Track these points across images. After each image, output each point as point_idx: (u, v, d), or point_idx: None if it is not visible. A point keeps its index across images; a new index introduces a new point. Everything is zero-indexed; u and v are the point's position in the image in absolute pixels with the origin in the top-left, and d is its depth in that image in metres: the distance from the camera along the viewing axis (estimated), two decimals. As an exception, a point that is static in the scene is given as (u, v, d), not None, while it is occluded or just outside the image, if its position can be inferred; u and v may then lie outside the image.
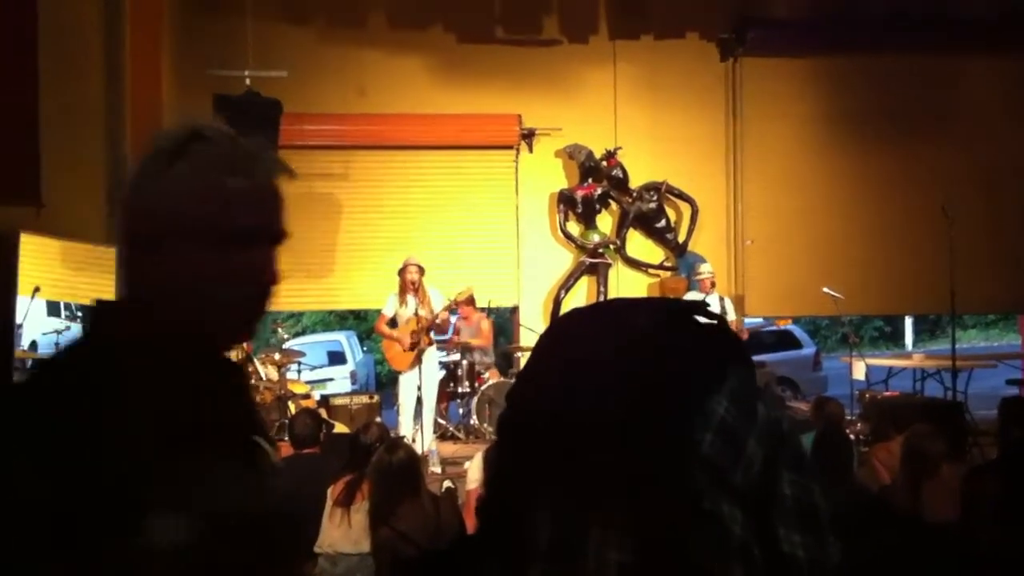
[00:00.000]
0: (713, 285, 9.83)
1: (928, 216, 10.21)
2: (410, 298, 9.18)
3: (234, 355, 10.48)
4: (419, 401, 9.22)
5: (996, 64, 11.68)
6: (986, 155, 11.53)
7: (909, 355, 11.58)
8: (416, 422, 9.31)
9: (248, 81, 9.48)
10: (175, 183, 1.42)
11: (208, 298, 1.42)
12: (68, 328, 12.36)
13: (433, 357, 9.53)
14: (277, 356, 10.11)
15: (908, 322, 26.00)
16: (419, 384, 9.17)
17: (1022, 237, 11.67)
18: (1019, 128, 11.67)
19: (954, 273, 8.87)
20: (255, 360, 9.94)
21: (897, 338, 26.60)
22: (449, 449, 9.28)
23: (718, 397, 1.44)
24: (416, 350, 9.15)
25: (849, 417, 9.25)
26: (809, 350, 14.54)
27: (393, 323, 9.42)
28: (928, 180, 11.27)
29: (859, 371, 10.24)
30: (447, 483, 6.98)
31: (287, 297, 11.53)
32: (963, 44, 11.45)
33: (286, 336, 10.92)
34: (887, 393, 9.86)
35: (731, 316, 9.91)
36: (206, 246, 1.42)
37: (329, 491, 5.27)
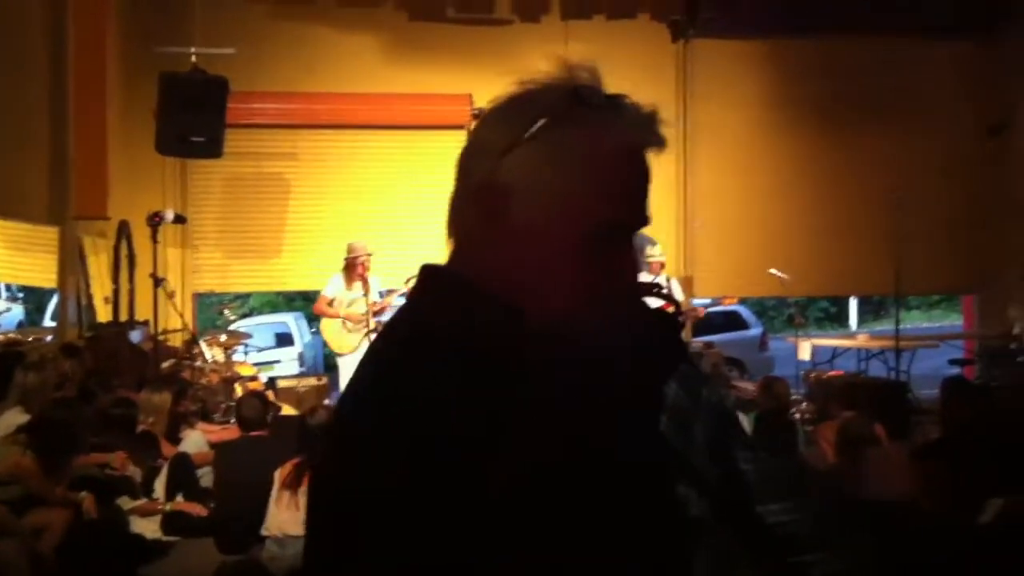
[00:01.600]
0: (662, 267, 9.86)
1: (874, 200, 10.34)
2: (357, 283, 9.12)
3: (179, 337, 10.38)
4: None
5: (944, 51, 11.82)
6: (932, 141, 11.68)
7: (854, 335, 11.74)
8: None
9: (194, 59, 9.31)
10: (557, 156, 1.27)
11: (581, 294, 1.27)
12: (8, 309, 12.14)
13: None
14: (223, 338, 10.02)
15: (853, 303, 26.38)
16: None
17: (966, 221, 11.88)
18: (964, 115, 11.85)
19: (899, 255, 8.99)
20: (201, 342, 9.83)
21: (842, 319, 26.98)
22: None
23: (670, 381, 1.42)
24: (364, 332, 9.08)
25: (795, 397, 9.37)
26: (756, 331, 14.70)
27: (331, 305, 9.36)
28: (875, 165, 11.39)
29: (805, 351, 10.37)
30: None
31: (233, 278, 11.43)
32: (911, 31, 11.57)
33: (233, 318, 10.81)
34: (832, 373, 10.00)
35: (679, 297, 9.97)
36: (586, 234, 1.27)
37: (277, 474, 5.23)
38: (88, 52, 9.09)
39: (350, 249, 9.28)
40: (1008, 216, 11.60)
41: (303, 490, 5.01)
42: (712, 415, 1.44)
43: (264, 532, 5.13)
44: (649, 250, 10.04)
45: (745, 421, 6.39)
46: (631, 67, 11.49)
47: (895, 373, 9.51)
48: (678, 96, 11.61)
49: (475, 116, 11.16)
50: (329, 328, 9.42)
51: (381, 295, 9.34)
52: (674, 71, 11.66)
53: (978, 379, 10.83)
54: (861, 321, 26.46)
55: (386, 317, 9.66)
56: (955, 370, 10.24)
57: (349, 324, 9.15)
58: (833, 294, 20.39)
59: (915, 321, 23.88)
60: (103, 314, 9.62)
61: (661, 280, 9.75)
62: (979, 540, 4.52)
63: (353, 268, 9.17)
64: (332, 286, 9.34)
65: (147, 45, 9.93)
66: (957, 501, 4.84)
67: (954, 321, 22.19)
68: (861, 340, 10.79)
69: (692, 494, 1.42)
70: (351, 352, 9.18)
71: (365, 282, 9.09)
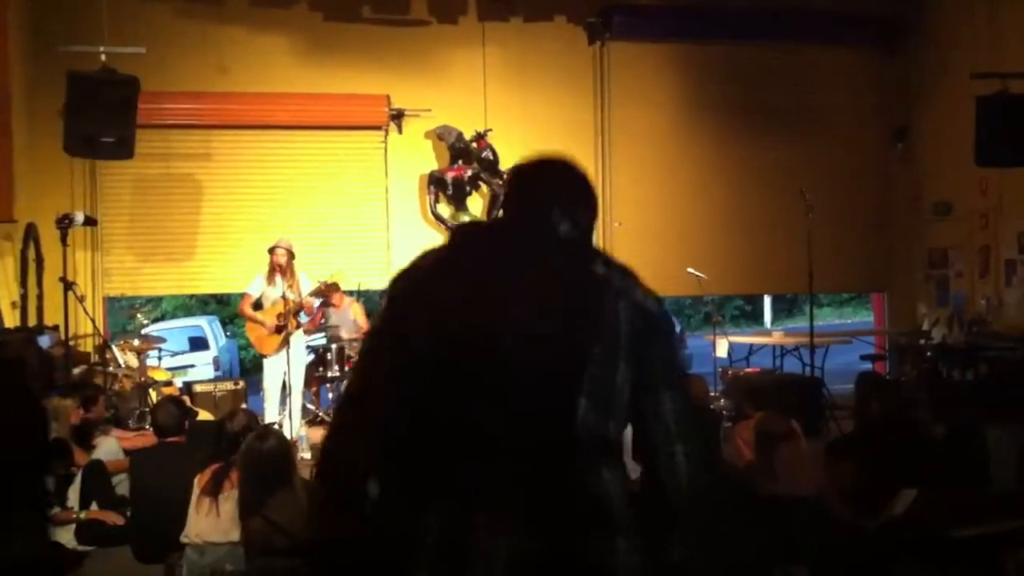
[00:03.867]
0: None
1: (787, 201, 10.53)
2: (278, 279, 8.98)
3: (90, 341, 10.13)
4: (285, 386, 9.04)
5: (850, 57, 12.17)
6: (841, 145, 12.00)
7: (769, 333, 11.95)
8: (283, 408, 9.14)
9: (104, 58, 9.08)
10: None
11: None
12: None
13: (300, 341, 9.36)
14: (136, 342, 9.80)
15: (767, 301, 26.88)
16: (286, 369, 8.99)
17: (875, 222, 12.22)
18: (871, 120, 12.21)
19: (811, 255, 9.18)
20: (113, 347, 9.61)
21: (757, 316, 27.48)
22: (319, 434, 9.14)
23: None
24: (283, 333, 8.96)
25: (712, 394, 9.51)
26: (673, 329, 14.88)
27: (258, 305, 9.22)
28: (787, 167, 11.62)
29: (722, 349, 10.53)
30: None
31: (146, 281, 11.18)
32: (819, 37, 11.89)
33: (145, 322, 10.58)
34: (748, 370, 10.17)
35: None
36: None
37: (196, 480, 5.13)
38: (-10, 51, 8.82)
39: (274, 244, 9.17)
40: (914, 217, 11.96)
41: (224, 496, 4.92)
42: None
43: (183, 539, 5.02)
44: None
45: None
46: (549, 70, 11.59)
47: (810, 369, 9.71)
48: (596, 98, 11.72)
49: (393, 116, 11.12)
50: (252, 329, 9.27)
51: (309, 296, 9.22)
52: (591, 74, 11.76)
53: (889, 374, 11.13)
54: (775, 319, 26.98)
55: (305, 318, 9.57)
56: (867, 365, 10.48)
57: (268, 325, 9.01)
58: (749, 292, 20.74)
59: (827, 318, 24.46)
60: (10, 319, 9.34)
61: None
62: (884, 533, 4.63)
63: (271, 264, 9.04)
64: (255, 285, 9.19)
65: (53, 44, 9.65)
66: (869, 494, 4.96)
67: (864, 318, 22.79)
68: (776, 337, 10.99)
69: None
70: (273, 353, 9.04)
71: (283, 275, 8.95)
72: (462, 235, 2.24)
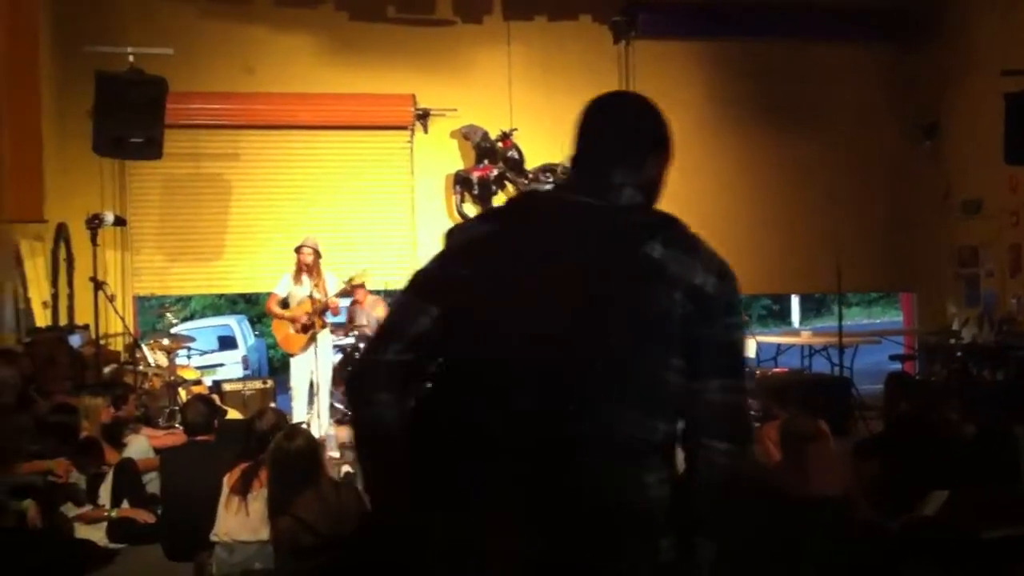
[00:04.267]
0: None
1: (814, 199, 10.49)
2: (305, 279, 9.01)
3: (120, 341, 10.21)
4: (312, 385, 9.07)
5: (876, 53, 12.06)
6: (867, 141, 11.91)
7: (797, 332, 11.89)
8: (310, 407, 9.17)
9: (131, 58, 9.15)
10: None
11: None
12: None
13: (327, 340, 9.38)
14: (166, 341, 9.87)
15: (795, 300, 26.72)
16: (313, 368, 9.02)
17: (903, 220, 12.11)
18: (899, 117, 12.09)
19: (839, 254, 9.13)
20: (143, 346, 9.68)
21: (784, 316, 27.32)
22: (347, 433, 9.18)
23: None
24: (309, 333, 8.99)
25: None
26: (700, 329, 14.82)
27: (285, 304, 9.25)
28: (814, 164, 11.56)
29: (750, 349, 10.47)
30: (346, 468, 6.91)
31: (175, 281, 11.26)
32: (844, 34, 11.80)
33: (174, 321, 10.66)
34: (776, 370, 10.12)
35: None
36: None
37: (225, 479, 5.16)
38: (20, 52, 8.87)
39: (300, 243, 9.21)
40: (943, 215, 11.85)
41: (253, 495, 4.95)
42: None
43: (213, 538, 5.06)
44: None
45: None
46: (574, 68, 11.57)
47: (838, 369, 9.65)
48: (621, 96, 11.66)
49: (418, 116, 11.15)
50: (279, 328, 9.31)
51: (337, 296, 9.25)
52: (616, 72, 11.73)
53: (918, 374, 11.05)
54: (803, 318, 26.82)
55: (331, 318, 9.61)
56: (896, 365, 10.40)
57: (297, 324, 9.03)
58: (777, 292, 20.63)
59: (855, 318, 24.28)
60: (41, 319, 9.43)
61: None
62: (912, 534, 4.60)
63: (297, 263, 9.06)
64: (282, 284, 9.23)
65: (82, 45, 9.74)
66: (897, 495, 4.92)
67: (892, 317, 22.60)
68: (804, 337, 10.94)
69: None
70: (300, 352, 9.07)
71: (310, 274, 8.97)
72: (518, 209, 2.18)
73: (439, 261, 2.06)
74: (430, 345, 1.98)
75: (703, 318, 1.95)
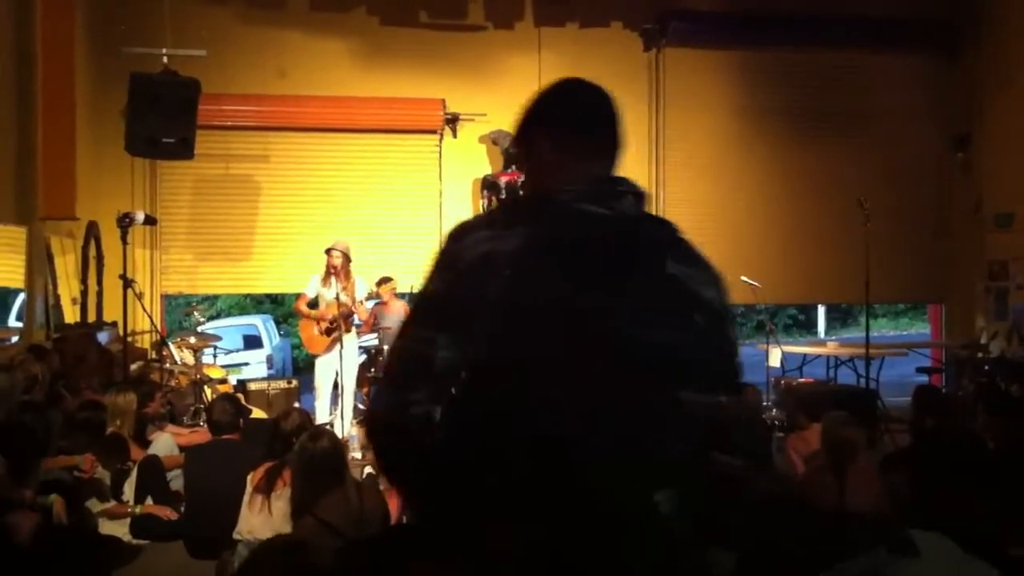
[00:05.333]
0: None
1: (843, 209, 10.41)
2: (333, 281, 9.02)
3: (147, 338, 10.29)
4: (336, 386, 9.10)
5: (909, 64, 12.00)
6: (898, 152, 11.85)
7: (823, 343, 11.80)
8: (334, 407, 9.20)
9: (166, 60, 9.24)
10: None
11: None
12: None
13: (353, 342, 9.41)
14: (192, 340, 9.93)
15: (821, 311, 26.57)
16: (337, 368, 9.04)
17: (933, 231, 12.03)
18: (931, 128, 12.02)
19: (868, 264, 9.06)
20: (170, 344, 9.75)
21: (810, 326, 27.16)
22: (369, 435, 9.18)
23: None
24: (333, 335, 9.00)
25: (765, 404, 9.43)
26: (726, 338, 14.74)
27: (314, 305, 9.29)
28: (844, 174, 11.51)
29: (775, 358, 10.42)
30: (368, 469, 6.93)
31: (203, 280, 11.35)
32: (878, 44, 11.75)
33: (201, 320, 10.72)
34: (801, 380, 10.05)
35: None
36: None
37: (249, 478, 5.19)
38: (56, 52, 8.98)
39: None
40: (975, 227, 11.75)
41: (276, 494, 4.97)
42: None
43: (236, 536, 5.08)
44: None
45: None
46: (604, 76, 11.29)
47: (864, 381, 9.57)
48: (651, 104, 11.68)
49: (448, 121, 11.17)
50: (304, 328, 9.36)
51: (363, 301, 9.29)
52: (647, 79, 11.73)
53: (945, 387, 10.95)
54: (829, 328, 26.66)
55: (358, 322, 9.64)
56: (923, 378, 10.32)
57: (321, 324, 9.07)
58: (804, 301, 20.52)
59: (882, 329, 24.10)
60: (71, 315, 9.52)
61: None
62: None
63: (327, 266, 9.08)
64: (311, 286, 9.26)
65: (117, 46, 9.85)
66: (924, 509, 4.88)
67: (920, 329, 22.42)
68: (831, 347, 10.86)
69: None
70: (324, 352, 9.10)
71: (338, 277, 8.97)
72: (535, 220, 1.97)
73: (457, 281, 1.92)
74: (454, 379, 1.90)
75: (712, 333, 2.00)
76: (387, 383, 1.96)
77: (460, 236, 1.96)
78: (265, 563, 3.31)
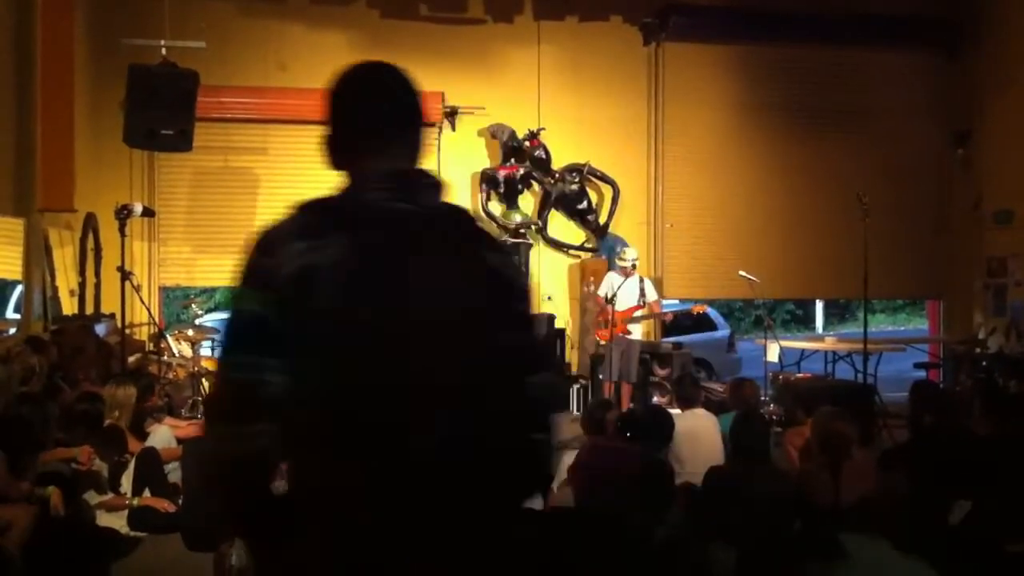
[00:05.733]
0: (635, 268, 9.85)
1: (842, 205, 10.42)
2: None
3: (145, 330, 10.28)
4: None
5: (910, 60, 12.02)
6: (898, 148, 11.86)
7: (821, 338, 11.78)
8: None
9: (164, 51, 9.22)
10: None
11: None
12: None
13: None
14: (190, 332, 9.91)
15: (819, 306, 26.57)
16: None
17: (932, 227, 12.04)
18: (931, 124, 12.03)
19: (866, 260, 9.06)
20: (168, 336, 9.74)
21: (808, 321, 27.15)
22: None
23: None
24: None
25: (762, 399, 9.42)
26: (724, 332, 14.75)
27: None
28: (843, 170, 11.51)
29: (773, 353, 10.42)
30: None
31: (201, 272, 11.33)
32: (878, 40, 11.75)
33: (200, 312, 10.71)
34: (799, 375, 10.06)
35: (652, 296, 9.98)
36: None
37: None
38: (55, 43, 8.96)
39: None
40: (973, 223, 11.76)
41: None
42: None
43: (233, 529, 5.08)
44: (624, 253, 10.06)
45: (719, 423, 6.42)
46: (604, 70, 11.57)
47: (862, 376, 9.58)
48: (650, 99, 11.68)
49: (447, 114, 11.15)
50: None
51: None
52: (646, 73, 11.72)
53: (943, 382, 10.96)
54: (827, 324, 26.66)
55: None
56: (920, 373, 10.33)
57: None
58: (802, 297, 20.51)
59: (879, 324, 24.10)
60: (68, 307, 9.52)
61: (634, 280, 9.76)
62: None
63: None
64: None
65: (116, 37, 9.83)
66: (922, 505, 4.88)
67: (918, 325, 22.44)
68: (829, 343, 10.86)
69: None
70: None
71: None
72: (347, 222, 1.88)
73: (277, 301, 1.78)
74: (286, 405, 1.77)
75: (528, 318, 2.04)
76: (218, 418, 1.85)
77: (270, 249, 1.85)
78: None
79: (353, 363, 1.79)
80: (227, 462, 1.79)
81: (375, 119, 2.04)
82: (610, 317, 9.50)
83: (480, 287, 1.92)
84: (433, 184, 1.97)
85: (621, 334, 9.62)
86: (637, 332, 9.98)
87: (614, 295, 9.45)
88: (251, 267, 1.87)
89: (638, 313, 9.83)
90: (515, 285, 2.01)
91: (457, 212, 2.03)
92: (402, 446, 1.79)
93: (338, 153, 2.07)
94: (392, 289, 1.83)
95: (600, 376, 9.92)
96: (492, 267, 1.96)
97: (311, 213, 1.93)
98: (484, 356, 1.89)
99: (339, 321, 1.78)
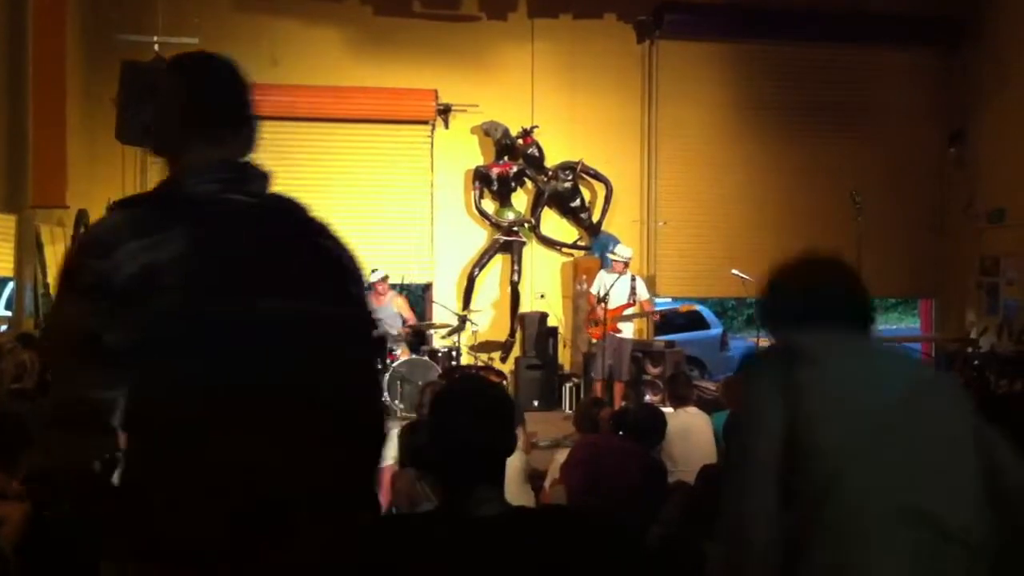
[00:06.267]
0: (626, 265, 9.86)
1: (835, 203, 10.44)
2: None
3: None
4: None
5: (906, 59, 12.03)
6: (893, 147, 11.86)
7: (813, 337, 11.77)
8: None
9: (157, 48, 9.20)
10: None
11: None
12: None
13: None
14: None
15: (811, 305, 26.60)
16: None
17: (926, 226, 12.05)
18: (925, 122, 12.04)
19: (859, 258, 9.06)
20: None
21: (800, 320, 27.18)
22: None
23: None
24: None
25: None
26: (717, 331, 14.78)
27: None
28: (836, 168, 11.52)
29: (766, 352, 10.42)
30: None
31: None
32: (875, 39, 11.76)
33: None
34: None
35: (644, 295, 9.98)
36: None
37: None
38: (47, 39, 8.93)
39: None
40: (967, 222, 11.78)
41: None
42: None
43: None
44: (617, 250, 10.06)
45: (711, 421, 6.42)
46: (597, 67, 11.56)
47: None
48: (643, 97, 11.68)
49: (440, 111, 11.14)
50: None
51: None
52: (640, 71, 11.72)
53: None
54: (819, 323, 26.68)
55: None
56: (912, 372, 10.32)
57: None
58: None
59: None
60: (60, 304, 9.46)
61: (625, 279, 9.76)
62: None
63: None
64: None
65: (108, 33, 9.81)
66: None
67: (910, 324, 22.47)
68: (820, 341, 10.87)
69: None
70: None
71: None
72: (185, 216, 1.85)
73: (116, 306, 1.73)
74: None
75: (364, 302, 2.12)
76: (62, 432, 1.83)
77: (105, 251, 1.77)
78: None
79: (199, 358, 1.76)
80: (64, 470, 1.82)
81: (206, 109, 2.01)
82: (600, 316, 9.52)
83: (318, 274, 1.96)
84: (262, 175, 2.01)
85: (612, 332, 9.63)
86: (628, 331, 9.98)
87: (606, 294, 9.46)
88: (83, 271, 1.79)
89: (629, 311, 9.83)
90: (349, 269, 2.06)
91: (288, 201, 2.05)
92: (249, 439, 1.77)
93: (165, 141, 2.02)
94: (234, 281, 1.82)
95: (592, 375, 9.93)
96: (327, 254, 2.01)
97: (141, 209, 1.89)
98: (325, 341, 1.91)
99: (184, 317, 1.75)
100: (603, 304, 9.47)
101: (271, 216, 1.95)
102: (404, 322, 10.36)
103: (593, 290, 9.90)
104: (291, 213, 2.02)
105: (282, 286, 1.87)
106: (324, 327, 1.91)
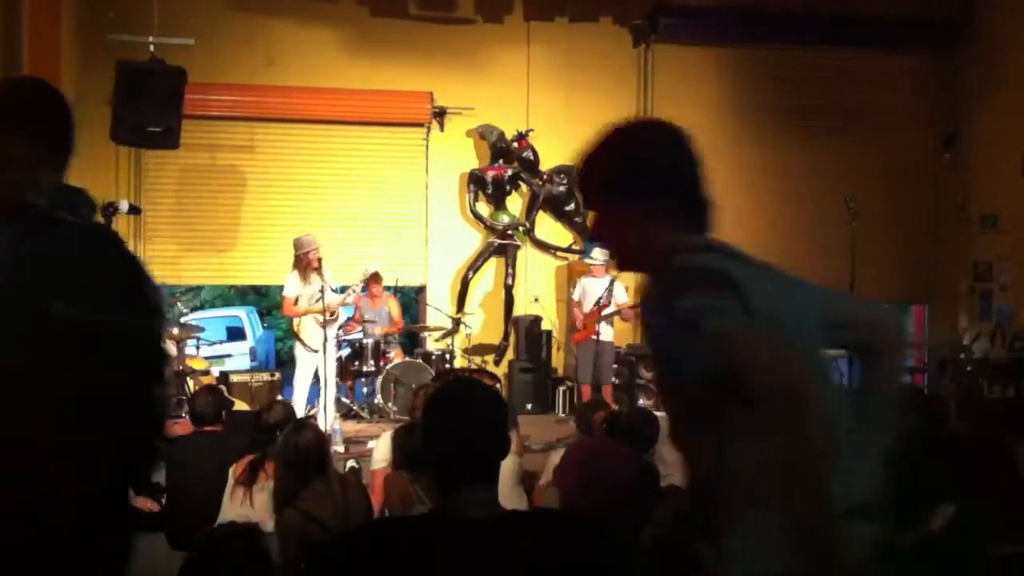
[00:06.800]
0: (607, 270, 9.83)
1: (830, 208, 10.42)
2: (314, 277, 8.93)
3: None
4: (320, 380, 8.99)
5: (900, 63, 12.03)
6: (887, 151, 11.87)
7: (806, 342, 11.79)
8: (315, 400, 9.13)
9: (152, 48, 9.18)
10: None
11: None
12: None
13: (332, 335, 9.29)
14: (175, 331, 9.88)
15: (804, 309, 26.67)
16: (319, 363, 8.93)
17: (919, 231, 12.07)
18: (919, 127, 12.06)
19: (854, 264, 9.07)
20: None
21: (793, 325, 27.25)
22: (352, 428, 9.19)
23: None
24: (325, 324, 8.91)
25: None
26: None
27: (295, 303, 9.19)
28: (831, 172, 11.53)
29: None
30: (351, 463, 6.91)
31: (187, 270, 11.29)
32: (869, 42, 11.76)
33: (185, 310, 10.67)
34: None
35: (622, 298, 9.91)
36: None
37: (231, 470, 5.17)
38: (42, 39, 8.89)
39: (297, 245, 9.08)
40: (960, 228, 11.80)
41: (258, 487, 4.95)
42: None
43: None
44: (591, 252, 10.05)
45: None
46: (593, 71, 11.57)
47: (846, 379, 9.58)
48: (639, 100, 11.68)
49: (435, 114, 11.14)
50: (303, 325, 9.15)
51: (334, 291, 9.19)
52: (635, 75, 11.73)
53: (927, 387, 10.98)
54: (812, 328, 26.75)
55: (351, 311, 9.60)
56: (905, 378, 10.34)
57: (320, 318, 8.90)
58: (786, 300, 20.58)
59: (864, 329, 24.20)
60: (53, 304, 9.43)
61: (605, 282, 9.77)
62: (921, 549, 4.58)
63: (307, 263, 8.98)
64: (290, 285, 9.14)
65: (103, 33, 9.78)
66: (905, 509, 4.89)
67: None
68: (814, 346, 10.88)
69: None
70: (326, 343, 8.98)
71: (321, 274, 8.88)
72: None
73: None
74: None
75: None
76: None
77: None
78: (220, 545, 3.30)
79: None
80: None
81: (42, 134, 2.26)
82: (576, 321, 9.61)
83: (27, 269, 2.02)
84: (89, 204, 2.11)
85: (593, 336, 9.64)
86: (608, 334, 9.94)
87: (597, 300, 9.56)
88: None
89: (606, 312, 9.78)
90: (69, 261, 2.11)
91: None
92: None
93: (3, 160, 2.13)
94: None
95: (580, 379, 9.96)
96: (39, 250, 2.06)
97: None
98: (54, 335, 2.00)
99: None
100: (579, 309, 9.60)
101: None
102: (395, 323, 10.41)
103: (575, 296, 9.98)
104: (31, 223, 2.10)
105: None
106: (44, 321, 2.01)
